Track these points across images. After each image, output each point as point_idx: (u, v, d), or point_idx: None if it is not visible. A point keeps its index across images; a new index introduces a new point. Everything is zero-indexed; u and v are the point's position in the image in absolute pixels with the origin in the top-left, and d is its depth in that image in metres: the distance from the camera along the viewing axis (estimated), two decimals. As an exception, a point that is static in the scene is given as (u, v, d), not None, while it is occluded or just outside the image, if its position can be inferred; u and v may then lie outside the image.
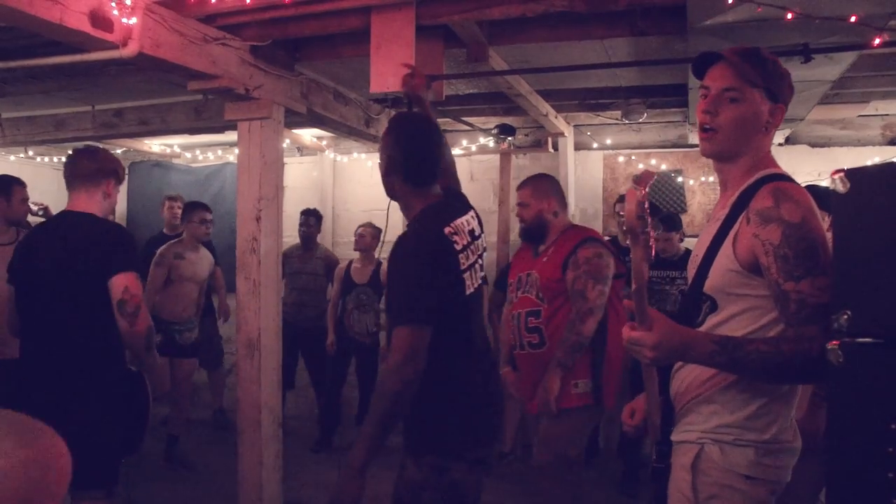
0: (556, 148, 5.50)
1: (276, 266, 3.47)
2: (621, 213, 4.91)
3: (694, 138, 4.96)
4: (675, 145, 5.44)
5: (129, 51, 2.64)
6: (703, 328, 1.56)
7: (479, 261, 2.16)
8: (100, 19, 2.52)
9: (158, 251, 4.66)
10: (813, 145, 5.22)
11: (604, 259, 2.86)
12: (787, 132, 5.03)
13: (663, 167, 5.41)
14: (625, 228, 4.07)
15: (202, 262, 4.75)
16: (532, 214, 3.00)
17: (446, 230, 2.01)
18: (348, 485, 1.89)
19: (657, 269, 4.59)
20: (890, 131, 5.07)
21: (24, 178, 3.64)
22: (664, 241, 4.48)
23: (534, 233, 3.05)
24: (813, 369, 1.36)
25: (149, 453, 2.79)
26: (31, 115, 5.19)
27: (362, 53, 3.13)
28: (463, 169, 5.95)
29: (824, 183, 4.26)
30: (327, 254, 5.53)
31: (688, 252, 4.36)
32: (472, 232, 2.13)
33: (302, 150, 6.20)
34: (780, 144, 5.11)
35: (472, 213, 2.20)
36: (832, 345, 1.24)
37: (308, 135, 5.69)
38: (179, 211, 5.53)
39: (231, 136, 4.83)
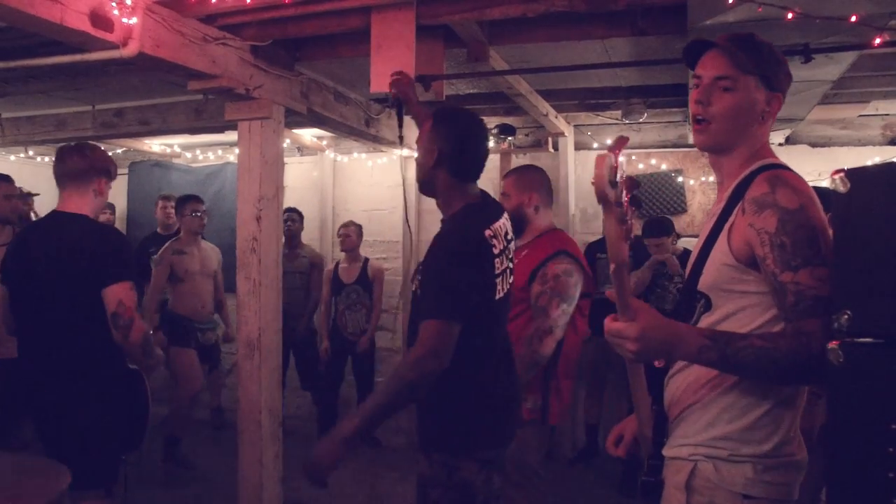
0: (556, 148, 5.51)
1: (276, 266, 3.47)
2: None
3: (694, 138, 4.92)
4: (675, 145, 5.44)
5: (130, 51, 2.64)
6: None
7: (510, 265, 2.17)
8: (100, 19, 2.52)
9: (160, 252, 4.66)
10: (813, 145, 5.22)
11: (573, 277, 2.74)
12: (787, 132, 5.02)
13: (663, 167, 5.41)
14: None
15: (208, 254, 4.75)
16: (511, 206, 2.83)
17: (486, 232, 2.02)
18: (328, 451, 1.85)
19: (656, 267, 4.58)
20: (890, 131, 5.06)
21: (24, 178, 3.63)
22: (656, 247, 4.43)
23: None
24: (813, 367, 1.27)
25: (149, 453, 2.79)
26: (31, 114, 5.18)
27: (362, 53, 3.13)
28: (463, 169, 5.94)
29: (824, 183, 4.26)
30: (312, 252, 5.54)
31: (687, 251, 4.35)
32: (506, 235, 2.14)
33: (302, 149, 6.20)
34: (780, 144, 5.10)
35: (505, 215, 2.21)
36: (832, 345, 1.24)
37: (308, 135, 5.69)
38: (173, 210, 5.54)
39: (231, 135, 4.83)
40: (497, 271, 2.04)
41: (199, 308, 4.64)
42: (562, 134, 5.28)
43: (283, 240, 5.23)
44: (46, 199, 4.72)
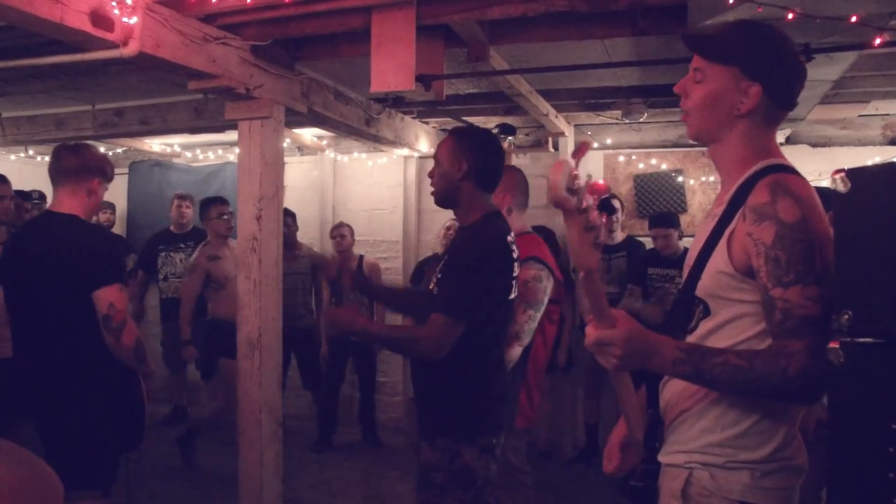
0: (556, 147, 5.51)
1: (276, 266, 3.47)
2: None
3: (694, 138, 4.92)
4: (675, 145, 5.44)
5: (130, 50, 2.64)
6: (696, 334, 1.43)
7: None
8: (100, 19, 2.52)
9: (192, 259, 4.65)
10: (813, 145, 5.22)
11: (542, 283, 2.77)
12: (787, 132, 5.03)
13: (663, 167, 5.41)
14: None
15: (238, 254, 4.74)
16: None
17: (508, 238, 2.25)
18: (346, 316, 2.25)
19: (656, 266, 4.59)
20: (890, 131, 5.06)
21: (24, 177, 3.65)
22: (663, 238, 4.50)
23: None
24: (789, 390, 1.24)
25: (149, 453, 2.79)
26: (31, 114, 5.18)
27: (363, 53, 3.13)
28: (463, 169, 5.94)
29: (825, 183, 4.26)
30: (311, 252, 5.55)
31: (686, 251, 4.36)
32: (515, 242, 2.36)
33: (302, 149, 6.20)
34: (781, 144, 5.08)
35: None
36: (832, 345, 1.24)
37: (308, 134, 5.69)
38: (188, 210, 5.57)
39: (231, 135, 4.83)
40: (514, 274, 2.24)
41: None
42: (562, 134, 5.28)
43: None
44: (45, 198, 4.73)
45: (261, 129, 3.37)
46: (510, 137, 5.23)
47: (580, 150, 1.19)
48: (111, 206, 6.07)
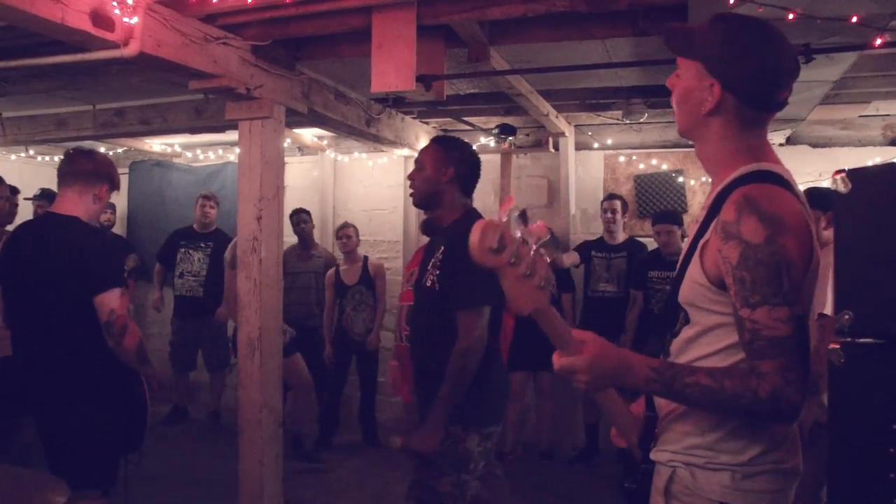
0: (556, 148, 5.50)
1: (276, 266, 3.47)
2: (608, 211, 4.92)
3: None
4: (675, 145, 5.44)
5: (131, 50, 2.64)
6: (679, 339, 1.41)
7: None
8: (101, 19, 2.52)
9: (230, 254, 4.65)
10: (814, 145, 5.22)
11: None
12: (787, 132, 5.03)
13: (664, 167, 5.42)
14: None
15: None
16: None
17: None
18: (430, 436, 2.31)
19: (658, 269, 4.60)
20: (891, 132, 5.06)
21: (24, 177, 3.65)
22: (666, 235, 4.51)
23: (431, 226, 3.09)
24: (761, 411, 1.21)
25: (149, 453, 2.79)
26: (32, 114, 5.19)
27: (363, 53, 3.13)
28: (463, 169, 5.94)
29: (825, 183, 4.26)
30: (327, 252, 5.55)
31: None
32: None
33: (303, 149, 6.20)
34: (781, 144, 5.11)
35: None
36: (833, 345, 1.24)
37: (309, 134, 5.69)
38: (211, 210, 5.62)
39: (232, 135, 4.82)
40: None
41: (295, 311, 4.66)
42: (562, 134, 5.28)
43: (298, 241, 5.25)
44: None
45: (261, 129, 3.37)
46: (510, 137, 5.23)
47: (504, 203, 1.19)
48: (111, 206, 6.06)
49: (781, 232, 1.22)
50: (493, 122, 5.22)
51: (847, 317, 1.22)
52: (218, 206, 5.70)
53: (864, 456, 1.22)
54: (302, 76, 3.73)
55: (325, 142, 5.93)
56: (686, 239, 1.51)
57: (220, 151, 6.51)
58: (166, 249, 5.78)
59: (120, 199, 6.56)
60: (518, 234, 1.17)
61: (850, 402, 1.25)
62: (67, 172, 2.60)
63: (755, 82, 1.34)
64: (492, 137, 5.33)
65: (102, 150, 5.43)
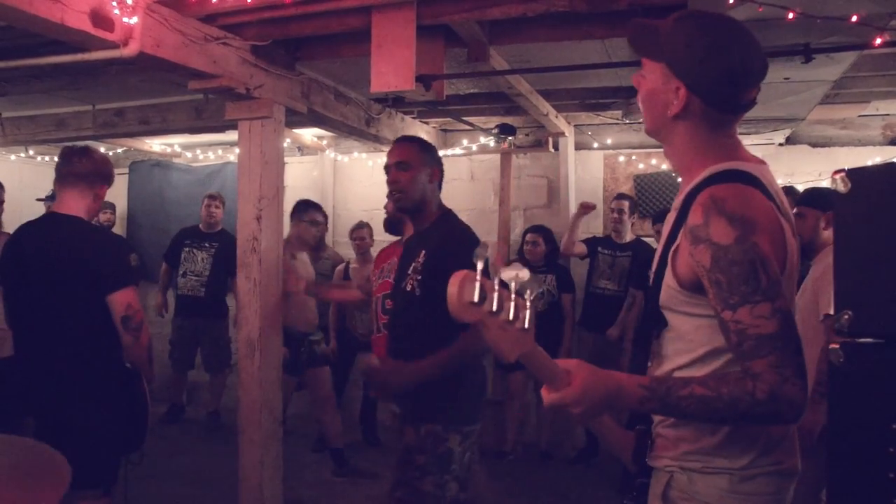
0: (556, 148, 5.50)
1: (276, 265, 3.47)
2: (615, 210, 4.92)
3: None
4: (675, 145, 5.45)
5: (130, 50, 2.64)
6: (660, 343, 1.39)
7: None
8: (101, 19, 2.52)
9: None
10: (814, 145, 5.22)
11: None
12: (787, 132, 5.03)
13: (664, 167, 5.42)
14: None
15: (304, 259, 4.67)
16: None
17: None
18: (404, 376, 2.32)
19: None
20: (890, 131, 5.06)
21: (24, 177, 3.64)
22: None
23: (396, 225, 3.20)
24: (761, 413, 1.15)
25: (149, 453, 2.79)
26: (32, 114, 5.19)
27: (363, 53, 3.13)
28: (463, 168, 5.94)
29: (825, 183, 4.26)
30: (334, 253, 5.53)
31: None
32: None
33: (302, 149, 6.20)
34: (781, 144, 5.11)
35: None
36: (833, 345, 1.24)
37: (308, 134, 5.69)
38: (217, 210, 5.58)
39: (232, 135, 4.83)
40: None
41: (311, 319, 4.55)
42: (562, 134, 5.28)
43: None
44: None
45: (261, 129, 3.37)
46: (510, 137, 5.23)
47: (479, 254, 1.10)
48: (111, 206, 6.07)
49: (752, 231, 1.20)
50: (493, 121, 5.22)
51: (846, 316, 1.22)
52: (224, 206, 5.65)
53: (864, 456, 1.21)
54: (302, 76, 3.73)
55: (324, 142, 5.93)
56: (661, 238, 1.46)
57: (220, 151, 6.51)
58: (173, 248, 5.73)
59: (120, 199, 6.56)
60: (496, 280, 1.10)
61: (849, 402, 1.24)
62: (68, 173, 2.60)
63: (720, 85, 1.30)
64: (491, 137, 5.34)
65: (102, 149, 5.42)
